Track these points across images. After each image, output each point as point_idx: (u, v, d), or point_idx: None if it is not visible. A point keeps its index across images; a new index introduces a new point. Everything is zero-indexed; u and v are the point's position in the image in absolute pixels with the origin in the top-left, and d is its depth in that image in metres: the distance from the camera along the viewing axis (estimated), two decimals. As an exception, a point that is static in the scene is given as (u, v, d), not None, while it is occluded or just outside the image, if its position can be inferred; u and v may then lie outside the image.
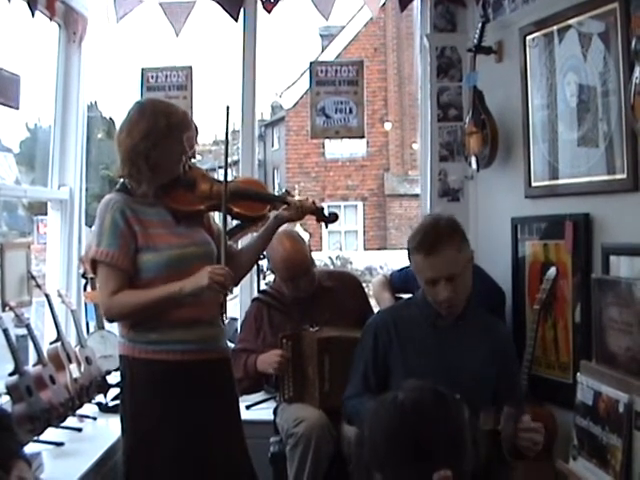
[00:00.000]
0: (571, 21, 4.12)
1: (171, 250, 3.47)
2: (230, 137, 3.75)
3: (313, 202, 3.78)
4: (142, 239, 3.44)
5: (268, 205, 3.77)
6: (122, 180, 3.58)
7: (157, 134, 3.46)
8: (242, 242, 4.45)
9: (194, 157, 3.67)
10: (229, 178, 3.65)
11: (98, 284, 3.53)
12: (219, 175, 3.79)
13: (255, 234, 3.95)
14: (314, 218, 3.79)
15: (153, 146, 3.46)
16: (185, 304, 3.44)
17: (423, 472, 2.14)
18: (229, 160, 3.70)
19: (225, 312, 3.50)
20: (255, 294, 5.06)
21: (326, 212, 3.81)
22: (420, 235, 3.55)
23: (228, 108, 3.69)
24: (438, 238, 3.46)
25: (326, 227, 3.88)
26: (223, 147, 3.74)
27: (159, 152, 3.47)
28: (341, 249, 22.89)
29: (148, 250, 3.44)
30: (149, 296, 3.42)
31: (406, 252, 3.63)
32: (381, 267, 16.96)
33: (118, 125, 3.63)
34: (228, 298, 3.65)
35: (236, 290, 5.18)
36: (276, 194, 3.88)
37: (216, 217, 3.85)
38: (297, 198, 3.77)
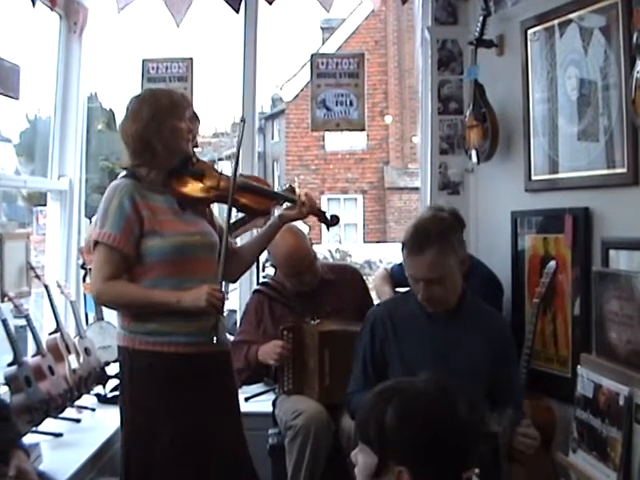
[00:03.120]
0: (572, 15, 4.12)
1: (177, 237, 3.48)
2: (240, 147, 3.76)
3: (317, 203, 3.84)
4: (149, 224, 3.45)
5: (274, 201, 3.81)
6: (129, 167, 3.59)
7: (163, 113, 3.51)
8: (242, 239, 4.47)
9: (197, 146, 3.69)
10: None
11: (94, 265, 3.51)
12: (220, 167, 3.81)
13: (257, 231, 3.96)
14: (316, 219, 3.83)
15: (162, 124, 3.49)
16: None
17: (453, 470, 2.09)
18: (229, 152, 3.71)
19: (216, 334, 3.49)
20: (254, 286, 5.06)
21: (328, 215, 3.85)
22: (410, 231, 3.57)
23: (244, 121, 3.82)
24: (424, 240, 3.47)
25: (327, 230, 3.93)
26: (222, 139, 3.77)
27: (168, 129, 3.51)
28: (340, 242, 22.87)
29: (154, 235, 3.45)
30: (145, 296, 3.43)
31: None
32: (380, 260, 16.95)
33: (119, 119, 3.65)
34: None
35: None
36: (282, 192, 3.90)
37: (217, 211, 3.87)
38: (302, 198, 3.78)
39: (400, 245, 3.62)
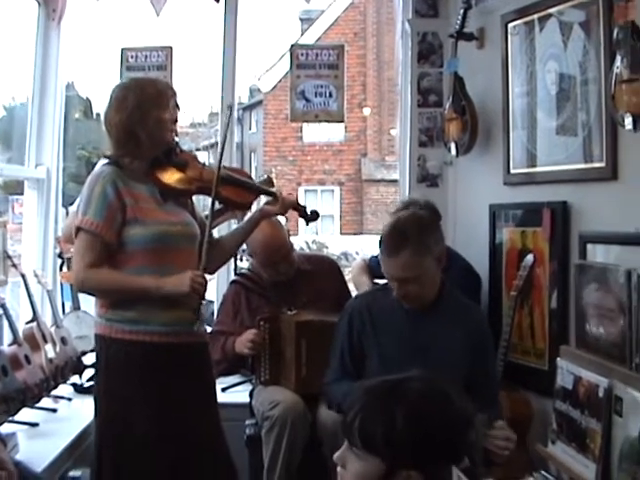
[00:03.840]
0: (552, 10, 4.14)
1: (159, 225, 3.48)
2: (226, 135, 3.82)
3: (296, 199, 3.84)
4: (131, 212, 3.44)
5: (255, 195, 3.82)
6: (111, 156, 3.56)
7: (147, 102, 3.50)
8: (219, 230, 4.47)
9: (177, 135, 3.68)
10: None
11: (75, 252, 3.49)
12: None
13: (237, 224, 3.97)
14: (296, 214, 3.87)
15: (147, 112, 3.48)
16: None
17: (451, 462, 2.09)
18: (206, 143, 3.72)
19: (199, 318, 3.51)
20: (231, 277, 5.06)
21: (308, 210, 3.88)
22: (386, 233, 3.57)
23: (230, 108, 3.92)
24: (400, 242, 3.47)
25: (306, 224, 3.94)
26: (200, 129, 3.77)
27: (153, 118, 3.50)
28: (317, 233, 22.89)
29: (136, 223, 3.44)
30: (126, 283, 3.42)
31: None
32: (357, 252, 16.99)
33: (96, 108, 3.65)
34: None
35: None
36: (264, 186, 3.91)
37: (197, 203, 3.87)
38: (283, 195, 3.81)
39: (377, 238, 3.64)
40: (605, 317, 3.33)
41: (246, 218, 3.90)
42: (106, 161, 3.57)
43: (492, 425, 3.28)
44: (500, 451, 3.26)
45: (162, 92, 3.57)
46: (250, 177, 3.98)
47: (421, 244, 3.48)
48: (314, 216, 3.90)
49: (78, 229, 3.45)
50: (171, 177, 3.61)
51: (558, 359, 3.53)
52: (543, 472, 3.42)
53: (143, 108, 3.48)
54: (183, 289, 3.36)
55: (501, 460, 3.27)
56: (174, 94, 3.65)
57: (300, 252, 4.81)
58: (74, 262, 3.53)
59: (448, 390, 2.15)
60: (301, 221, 3.92)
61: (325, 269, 4.72)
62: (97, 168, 3.56)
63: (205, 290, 3.44)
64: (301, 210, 3.87)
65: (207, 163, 3.78)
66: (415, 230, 3.51)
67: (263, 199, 3.89)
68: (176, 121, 3.64)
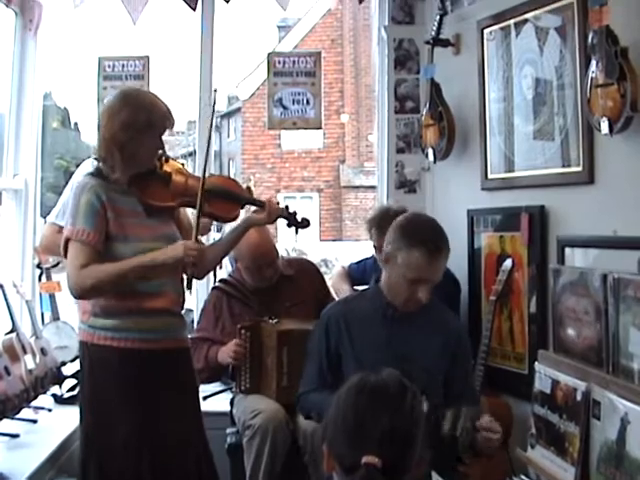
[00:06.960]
0: (528, 15, 4.17)
1: (139, 243, 3.44)
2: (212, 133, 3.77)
3: (286, 207, 3.82)
4: (113, 226, 3.41)
5: (241, 208, 3.79)
6: (97, 165, 3.52)
7: (136, 128, 3.42)
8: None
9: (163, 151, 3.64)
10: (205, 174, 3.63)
11: (68, 260, 3.43)
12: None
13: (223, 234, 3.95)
14: (285, 222, 3.84)
15: (130, 139, 3.41)
16: (146, 295, 3.45)
17: (355, 453, 2.14)
18: (184, 151, 3.70)
19: (190, 288, 3.51)
20: (211, 284, 5.04)
21: (298, 217, 3.85)
22: (426, 231, 3.46)
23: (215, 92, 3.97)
24: (442, 241, 3.42)
25: (296, 233, 3.90)
26: (178, 137, 3.70)
27: (135, 145, 3.44)
28: (296, 240, 22.81)
29: (117, 240, 3.42)
30: (120, 266, 3.36)
31: (370, 242, 3.59)
32: (336, 259, 16.99)
33: (73, 118, 3.61)
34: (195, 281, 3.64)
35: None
36: (251, 197, 3.86)
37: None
38: (271, 202, 3.78)
39: (358, 245, 3.61)
40: (582, 321, 3.35)
41: (232, 227, 3.85)
42: (90, 171, 3.55)
43: (479, 418, 3.27)
44: (491, 443, 3.24)
45: (154, 123, 3.48)
46: (237, 185, 3.87)
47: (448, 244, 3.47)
48: (305, 223, 3.86)
49: (67, 240, 3.41)
50: (153, 194, 3.56)
51: (536, 363, 3.54)
52: (523, 476, 3.44)
53: (126, 134, 3.41)
54: (178, 254, 3.35)
55: (490, 451, 3.26)
56: (170, 125, 3.56)
57: (281, 256, 4.79)
58: (68, 272, 3.45)
59: (366, 388, 2.27)
60: (285, 229, 3.89)
61: (306, 272, 4.71)
62: (81, 180, 3.52)
63: (200, 257, 3.41)
64: (290, 218, 3.82)
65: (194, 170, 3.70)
66: (444, 234, 3.49)
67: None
68: (162, 149, 3.58)
